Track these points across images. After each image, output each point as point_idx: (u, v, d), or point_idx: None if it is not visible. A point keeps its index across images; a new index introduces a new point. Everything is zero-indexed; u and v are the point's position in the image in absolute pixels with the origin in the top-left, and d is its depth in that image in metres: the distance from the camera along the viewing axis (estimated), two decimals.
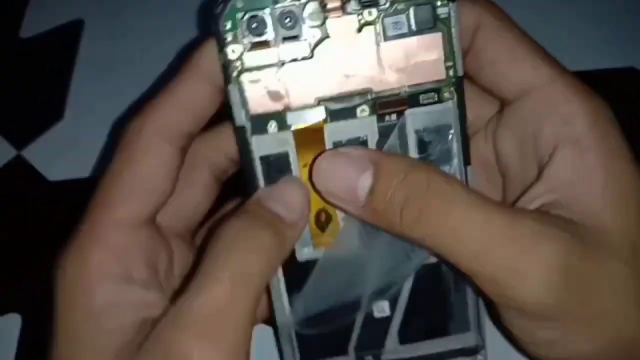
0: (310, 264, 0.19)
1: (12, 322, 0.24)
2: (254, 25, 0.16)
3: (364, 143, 0.18)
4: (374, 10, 0.17)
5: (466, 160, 0.18)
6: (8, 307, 0.24)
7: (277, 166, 0.18)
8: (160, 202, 0.18)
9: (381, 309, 0.20)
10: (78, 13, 0.34)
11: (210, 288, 0.15)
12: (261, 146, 0.18)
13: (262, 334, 0.22)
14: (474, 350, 0.20)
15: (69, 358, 0.16)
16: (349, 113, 0.18)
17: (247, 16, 0.16)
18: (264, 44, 0.17)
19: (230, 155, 0.20)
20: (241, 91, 0.17)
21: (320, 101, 0.17)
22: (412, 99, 0.18)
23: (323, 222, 0.19)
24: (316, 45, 0.17)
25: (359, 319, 0.20)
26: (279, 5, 0.17)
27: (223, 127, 0.20)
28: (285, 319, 0.19)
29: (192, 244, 0.20)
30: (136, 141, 0.17)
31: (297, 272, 0.19)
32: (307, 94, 0.17)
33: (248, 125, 0.17)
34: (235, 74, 0.17)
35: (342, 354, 0.20)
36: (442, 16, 0.17)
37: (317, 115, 0.18)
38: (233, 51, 0.17)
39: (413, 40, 0.17)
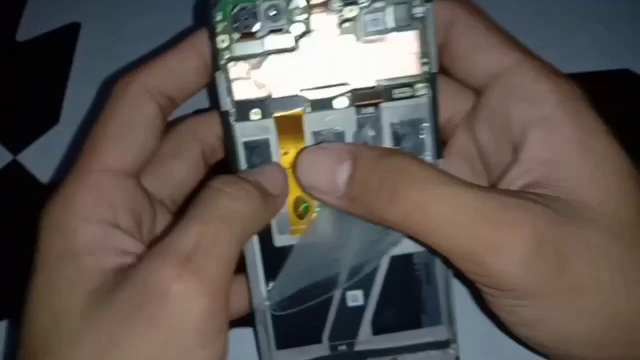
0: (287, 250, 0.20)
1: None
2: (242, 18, 0.18)
3: (341, 134, 0.19)
4: (354, 8, 0.19)
5: (439, 154, 0.20)
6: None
7: (258, 151, 0.19)
8: (143, 155, 0.19)
9: (355, 298, 0.21)
10: (74, 16, 0.35)
11: (195, 226, 0.16)
12: (244, 131, 0.19)
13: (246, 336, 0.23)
14: (445, 344, 0.21)
15: (43, 297, 0.17)
16: (327, 104, 0.19)
17: (236, 9, 0.18)
18: (252, 35, 0.19)
19: (220, 135, 0.21)
20: (228, 78, 0.19)
21: (301, 91, 0.19)
22: (388, 92, 0.19)
23: (301, 210, 0.20)
24: (300, 38, 0.19)
25: (333, 308, 0.21)
26: (267, 0, 0.18)
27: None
28: (262, 302, 0.20)
29: (175, 216, 0.21)
30: (121, 96, 0.19)
31: (274, 258, 0.20)
32: (289, 84, 0.19)
33: (232, 111, 0.19)
34: (223, 61, 0.19)
35: (316, 342, 0.21)
36: (419, 15, 0.19)
37: (298, 104, 0.19)
38: (222, 41, 0.18)
39: (391, 37, 0.19)
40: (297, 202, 0.20)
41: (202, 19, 0.18)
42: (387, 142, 0.20)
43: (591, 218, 0.17)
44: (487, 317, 0.22)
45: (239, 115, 0.19)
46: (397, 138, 0.20)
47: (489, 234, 0.16)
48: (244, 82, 0.19)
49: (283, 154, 0.20)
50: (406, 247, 0.20)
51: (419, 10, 0.19)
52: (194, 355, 0.16)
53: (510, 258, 0.16)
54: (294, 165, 0.19)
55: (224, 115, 0.19)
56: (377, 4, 0.19)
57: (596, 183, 0.17)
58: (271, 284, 0.20)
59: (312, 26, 0.19)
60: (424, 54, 0.19)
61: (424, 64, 0.19)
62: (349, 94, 0.19)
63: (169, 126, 0.20)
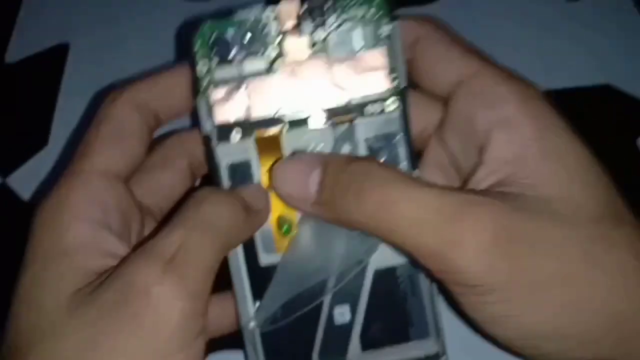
0: (273, 268, 0.21)
1: None
2: (220, 45, 0.20)
3: (318, 150, 0.21)
4: (323, 30, 0.20)
5: (413, 165, 0.21)
6: None
7: (240, 171, 0.21)
8: (132, 161, 0.20)
9: (342, 314, 0.22)
10: (63, 37, 0.36)
11: (178, 231, 0.17)
12: (225, 153, 0.21)
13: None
14: (435, 357, 0.22)
15: (30, 294, 0.18)
16: (304, 123, 0.21)
17: (214, 37, 0.20)
18: (229, 61, 0.20)
19: None
20: (208, 103, 0.20)
21: (278, 112, 0.21)
22: (361, 109, 0.21)
23: (284, 227, 0.22)
24: (274, 61, 0.21)
25: (321, 326, 0.22)
26: (242, 27, 0.20)
27: None
28: (250, 321, 0.21)
29: (160, 223, 0.22)
30: (111, 106, 0.20)
31: (260, 277, 0.21)
32: (266, 106, 0.20)
33: (213, 134, 0.20)
34: (203, 87, 0.20)
35: None
36: (385, 34, 0.21)
37: (276, 124, 0.21)
38: (202, 67, 0.20)
39: (360, 56, 0.21)
40: (280, 221, 0.21)
41: (184, 47, 0.20)
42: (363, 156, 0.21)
43: (554, 212, 0.18)
44: (463, 322, 0.23)
45: (220, 138, 0.20)
46: (372, 152, 0.21)
47: (450, 230, 0.17)
48: (224, 106, 0.20)
49: (264, 173, 0.21)
50: (388, 260, 0.21)
51: (384, 30, 0.21)
52: (171, 357, 0.17)
53: (470, 253, 0.17)
54: (270, 177, 0.20)
55: (206, 138, 0.21)
56: (345, 26, 0.21)
57: (558, 178, 0.18)
58: (258, 303, 0.21)
59: (286, 49, 0.21)
60: (392, 70, 0.21)
61: (393, 79, 0.21)
62: (324, 112, 0.21)
63: (155, 143, 0.22)
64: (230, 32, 0.20)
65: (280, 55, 0.20)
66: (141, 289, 0.17)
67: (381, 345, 0.22)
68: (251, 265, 0.21)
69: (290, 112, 0.21)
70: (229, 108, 0.20)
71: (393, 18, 0.21)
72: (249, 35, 0.20)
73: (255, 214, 0.20)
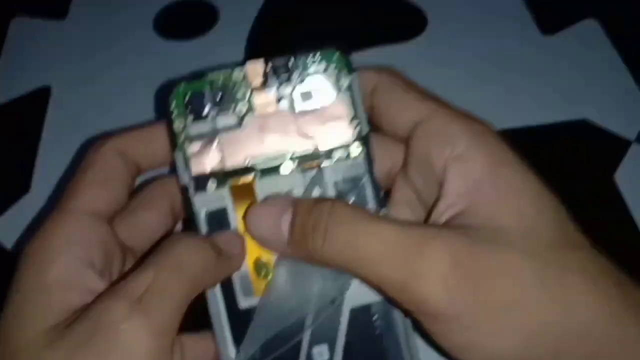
0: (251, 311, 0.24)
1: None
2: (194, 103, 0.24)
3: (290, 196, 0.25)
4: (288, 85, 0.24)
5: (380, 204, 0.25)
6: None
7: (217, 218, 0.24)
8: (116, 203, 0.24)
9: (321, 354, 0.25)
10: (45, 80, 0.40)
11: (149, 271, 0.20)
12: (202, 201, 0.24)
13: None
14: None
15: (9, 329, 0.21)
16: (275, 170, 0.24)
17: (188, 96, 0.24)
18: (203, 117, 0.24)
19: None
20: (185, 156, 0.24)
21: (250, 161, 0.25)
22: (328, 155, 0.24)
23: (261, 271, 0.25)
24: (244, 116, 0.25)
25: None
26: (214, 87, 0.24)
27: None
28: None
29: (137, 263, 0.25)
30: (96, 153, 0.24)
31: (240, 319, 0.24)
32: (239, 156, 0.24)
33: (190, 184, 0.24)
34: (179, 142, 0.24)
35: None
36: (345, 85, 0.25)
37: (249, 173, 0.25)
38: (179, 124, 0.24)
39: (323, 106, 0.24)
40: (257, 264, 0.25)
41: (161, 106, 0.24)
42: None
43: (508, 241, 0.21)
44: (438, 353, 0.26)
45: (197, 187, 0.24)
46: (341, 194, 0.25)
47: (411, 262, 0.20)
48: (199, 158, 0.24)
49: (240, 219, 0.25)
50: (363, 298, 0.24)
51: (344, 82, 0.25)
52: None
53: (431, 284, 0.20)
54: (244, 220, 0.24)
55: (183, 189, 0.24)
56: (308, 80, 0.25)
57: (510, 208, 0.22)
58: (238, 346, 0.24)
59: (254, 104, 0.25)
60: (354, 118, 0.25)
61: (355, 126, 0.25)
62: (294, 160, 0.25)
63: (137, 189, 0.25)
64: (203, 92, 0.24)
65: (249, 110, 0.24)
66: (109, 326, 0.19)
67: None
68: (230, 308, 0.24)
69: (261, 161, 0.24)
70: (204, 160, 0.24)
71: (351, 70, 0.25)
72: (220, 93, 0.24)
73: (227, 258, 0.23)
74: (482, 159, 0.22)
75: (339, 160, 0.25)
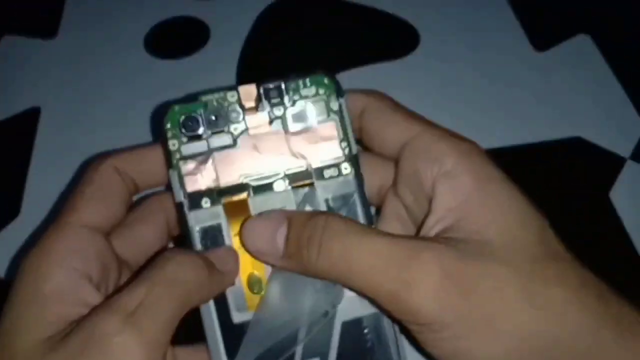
0: (245, 325, 0.27)
1: None
2: (189, 124, 0.28)
3: None
4: (280, 108, 0.28)
5: (369, 220, 0.28)
6: None
7: (211, 235, 0.28)
8: (113, 218, 0.27)
9: None
10: (34, 100, 0.43)
11: (142, 287, 0.23)
12: (197, 218, 0.28)
13: None
14: None
15: (5, 339, 0.23)
16: (268, 188, 0.28)
17: (183, 118, 0.28)
18: (197, 137, 0.28)
19: None
20: (179, 174, 0.28)
21: (244, 179, 0.28)
22: (318, 174, 0.28)
23: (254, 285, 0.28)
24: (238, 136, 0.28)
25: None
26: (208, 108, 0.28)
27: None
28: None
29: (132, 277, 0.28)
30: (95, 170, 0.27)
31: (233, 334, 0.27)
32: (233, 174, 0.28)
33: (185, 202, 0.28)
34: (175, 161, 0.28)
35: None
36: (335, 108, 0.28)
37: (242, 190, 0.28)
38: (173, 144, 0.28)
39: (314, 128, 0.28)
40: (251, 280, 0.28)
41: (157, 128, 0.28)
42: None
43: (494, 254, 0.24)
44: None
45: (192, 205, 0.28)
46: (332, 211, 0.28)
47: (402, 273, 0.24)
48: (194, 176, 0.28)
49: (234, 236, 0.28)
50: (355, 311, 0.28)
51: (334, 105, 0.28)
52: None
53: (422, 293, 0.23)
54: (240, 234, 0.27)
55: (179, 206, 0.28)
56: (299, 103, 0.28)
57: (496, 223, 0.25)
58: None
59: (248, 125, 0.28)
60: (343, 139, 0.28)
61: (344, 147, 0.28)
62: (286, 178, 0.28)
63: (133, 205, 0.29)
64: (197, 113, 0.28)
65: (243, 130, 0.28)
66: (102, 339, 0.22)
67: None
68: (224, 323, 0.27)
69: (255, 179, 0.28)
70: (198, 178, 0.28)
71: (341, 94, 0.28)
72: (214, 114, 0.28)
73: (219, 274, 0.26)
74: (470, 175, 0.26)
75: (330, 178, 0.28)
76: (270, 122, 0.28)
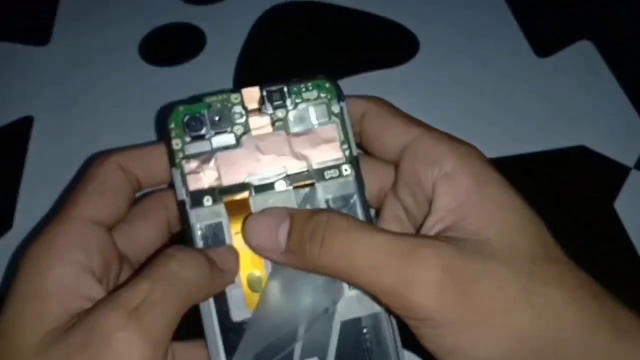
0: (244, 324, 0.30)
1: None
2: (192, 124, 0.31)
3: None
4: (282, 110, 0.32)
5: (369, 222, 0.31)
6: None
7: (212, 233, 0.31)
8: (116, 213, 0.30)
9: None
10: (27, 110, 0.45)
11: (145, 283, 0.25)
12: (198, 216, 0.31)
13: None
14: None
15: (6, 332, 0.25)
16: (269, 187, 0.31)
17: (187, 118, 0.31)
18: (201, 137, 0.31)
19: None
20: (182, 173, 0.31)
21: (245, 179, 0.31)
22: (319, 174, 0.31)
23: (254, 284, 0.31)
24: (240, 137, 0.32)
25: None
26: (211, 109, 0.31)
27: None
28: None
29: (133, 274, 0.31)
30: (99, 166, 0.30)
31: (232, 332, 0.30)
32: (235, 174, 0.31)
33: (187, 200, 0.31)
34: (177, 160, 0.31)
35: None
36: (336, 111, 0.32)
37: (244, 190, 0.31)
38: (177, 144, 0.31)
39: (315, 130, 0.32)
40: (251, 278, 0.31)
41: (160, 128, 0.31)
42: None
43: (494, 253, 0.27)
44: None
45: (194, 203, 0.31)
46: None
47: (403, 269, 0.26)
48: (196, 175, 0.31)
49: (234, 234, 0.31)
50: (354, 311, 0.31)
51: (335, 108, 0.32)
52: None
53: (422, 289, 0.26)
54: (242, 230, 0.30)
55: (181, 204, 0.31)
56: (301, 106, 0.32)
57: (495, 224, 0.28)
58: (232, 357, 0.30)
59: (250, 126, 0.32)
60: (344, 141, 0.32)
61: (344, 149, 0.32)
62: (287, 178, 0.31)
63: (136, 201, 0.32)
64: (201, 113, 0.31)
65: (245, 131, 0.31)
66: (105, 334, 0.24)
67: None
68: (223, 321, 0.31)
69: (256, 178, 0.31)
70: (201, 177, 0.31)
71: (342, 98, 0.32)
72: (217, 115, 0.31)
73: (220, 272, 0.29)
74: (469, 177, 0.29)
75: (330, 179, 0.32)
76: (273, 123, 0.32)
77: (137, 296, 0.25)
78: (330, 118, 0.32)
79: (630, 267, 0.39)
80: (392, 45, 0.50)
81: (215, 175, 0.31)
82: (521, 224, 0.29)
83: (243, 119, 0.32)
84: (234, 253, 0.31)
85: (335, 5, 0.53)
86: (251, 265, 0.31)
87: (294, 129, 0.32)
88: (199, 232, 0.31)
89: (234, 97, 0.32)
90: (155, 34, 0.53)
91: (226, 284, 0.30)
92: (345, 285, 0.31)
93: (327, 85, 0.32)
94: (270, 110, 0.32)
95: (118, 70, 0.50)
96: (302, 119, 0.32)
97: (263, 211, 0.30)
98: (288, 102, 0.32)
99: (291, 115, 0.32)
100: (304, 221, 0.29)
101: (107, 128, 0.46)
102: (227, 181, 0.31)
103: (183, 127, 0.31)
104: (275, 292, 0.31)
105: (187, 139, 0.31)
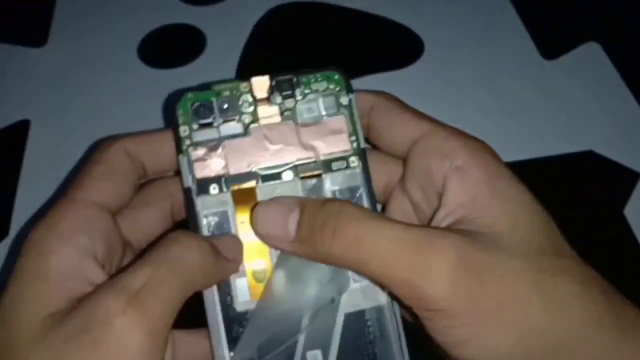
0: (248, 314, 0.31)
1: None
2: (201, 111, 0.33)
3: None
4: (291, 100, 0.33)
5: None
6: None
7: (217, 222, 0.32)
8: (121, 198, 0.31)
9: (314, 357, 0.32)
10: (23, 113, 0.46)
11: (146, 268, 0.26)
12: (204, 204, 0.32)
13: None
14: None
15: (7, 313, 0.26)
16: (276, 177, 0.33)
17: (195, 105, 0.33)
18: (209, 125, 0.32)
19: None
20: (189, 160, 0.32)
21: (253, 168, 0.33)
22: (326, 165, 0.33)
23: (259, 274, 0.32)
24: (249, 125, 0.33)
25: None
26: (220, 97, 0.33)
27: None
28: None
29: (135, 259, 0.32)
30: (104, 151, 0.31)
31: (236, 322, 0.31)
32: (242, 163, 0.32)
33: (194, 187, 0.32)
34: (184, 147, 0.32)
35: None
36: (345, 103, 0.33)
37: (251, 178, 0.33)
38: (184, 130, 0.32)
39: (323, 121, 0.33)
40: (256, 268, 0.32)
41: (168, 115, 0.32)
42: None
43: (505, 246, 0.28)
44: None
45: (200, 190, 0.32)
46: None
47: (418, 259, 0.27)
48: (203, 163, 0.32)
49: (240, 223, 0.32)
50: (358, 303, 0.32)
51: (344, 100, 0.33)
52: None
53: (437, 279, 0.27)
54: (251, 218, 0.31)
55: (187, 191, 0.32)
56: (310, 96, 0.33)
57: (506, 217, 0.29)
58: (234, 347, 0.31)
59: (259, 116, 0.33)
60: (352, 133, 0.33)
61: (352, 141, 0.33)
62: (295, 168, 0.33)
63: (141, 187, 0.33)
64: (210, 101, 0.33)
65: (254, 120, 0.33)
66: (104, 319, 0.25)
67: None
68: (227, 310, 0.32)
69: (264, 168, 0.33)
70: (208, 165, 0.32)
71: (351, 90, 0.33)
72: (226, 103, 0.33)
73: (225, 261, 0.30)
74: (480, 171, 0.31)
75: (337, 171, 0.33)
76: (281, 113, 0.33)
77: (138, 281, 0.26)
78: (338, 109, 0.33)
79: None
80: (395, 47, 0.52)
81: (223, 163, 0.32)
82: (531, 218, 0.30)
83: (252, 108, 0.33)
84: (239, 242, 0.32)
85: (338, 6, 0.55)
86: (256, 255, 0.32)
87: (302, 119, 0.33)
88: (204, 220, 0.32)
89: (244, 85, 0.33)
90: (155, 35, 0.54)
91: (229, 273, 0.31)
92: (351, 276, 0.32)
93: (337, 76, 0.34)
94: (279, 100, 0.33)
95: (117, 72, 0.52)
96: (310, 109, 0.33)
97: (272, 199, 0.32)
98: (297, 92, 0.33)
99: (300, 105, 0.33)
100: (316, 210, 0.30)
101: (105, 132, 0.45)
102: (234, 170, 0.33)
103: (191, 113, 0.33)
104: (280, 282, 0.32)
105: (195, 126, 0.33)
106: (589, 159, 0.44)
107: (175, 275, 0.27)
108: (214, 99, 0.33)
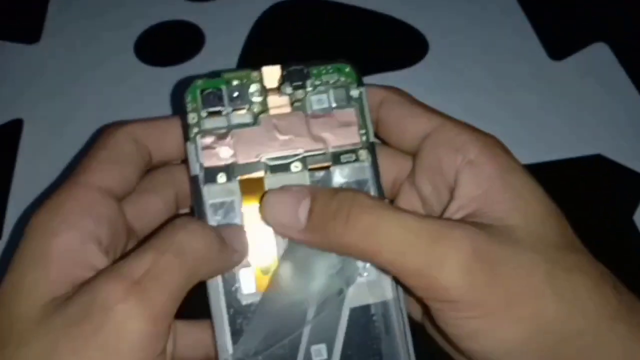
0: (253, 306, 0.34)
1: None
2: (210, 99, 0.35)
3: None
4: (302, 91, 0.36)
5: None
6: None
7: (223, 211, 0.34)
8: (126, 183, 0.32)
9: (319, 353, 0.34)
10: (16, 112, 0.48)
11: (149, 254, 0.27)
12: (211, 193, 0.34)
13: None
14: None
15: (8, 297, 0.27)
16: (285, 168, 0.35)
17: (205, 92, 0.35)
18: (218, 113, 0.35)
19: None
20: (196, 148, 0.34)
21: (261, 158, 0.35)
22: (335, 158, 0.35)
23: (265, 265, 0.34)
24: (258, 115, 0.35)
25: None
26: (230, 85, 0.35)
27: None
28: (228, 357, 0.33)
29: (137, 245, 0.33)
30: (110, 136, 0.33)
31: (241, 314, 0.33)
32: (250, 152, 0.35)
33: (201, 175, 0.34)
34: (192, 134, 0.35)
35: None
36: (355, 96, 0.36)
37: (259, 169, 0.35)
38: (193, 118, 0.35)
39: (333, 113, 0.36)
40: (262, 259, 0.34)
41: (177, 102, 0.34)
42: None
43: (518, 239, 0.30)
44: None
45: (207, 179, 0.34)
46: None
47: (433, 249, 0.29)
48: (211, 151, 0.35)
49: (247, 214, 0.34)
50: (363, 298, 0.34)
51: (354, 92, 0.36)
52: None
53: (452, 270, 0.28)
54: (260, 206, 0.33)
55: (194, 179, 0.34)
56: (321, 88, 0.36)
57: (519, 211, 0.32)
58: (238, 339, 0.33)
59: (269, 105, 0.35)
60: (361, 126, 0.36)
61: (362, 134, 0.36)
62: (303, 159, 0.35)
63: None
64: (219, 89, 0.35)
65: (263, 110, 0.35)
66: (105, 306, 0.26)
67: None
68: (231, 302, 0.34)
69: (272, 158, 0.35)
70: (216, 153, 0.35)
71: (361, 84, 0.36)
72: (236, 91, 0.35)
73: (230, 250, 0.32)
74: (493, 165, 0.33)
75: (346, 163, 0.35)
76: (291, 104, 0.36)
77: (141, 267, 0.27)
78: (348, 102, 0.36)
79: None
80: (399, 46, 0.54)
81: (231, 152, 0.35)
82: (543, 213, 0.32)
83: (261, 98, 0.36)
84: (244, 233, 0.34)
85: (340, 3, 0.57)
86: (262, 246, 0.34)
87: (312, 110, 0.36)
88: (210, 209, 0.34)
89: (254, 74, 0.36)
90: (152, 32, 0.56)
91: (234, 263, 0.33)
92: (360, 267, 0.34)
93: (347, 69, 0.36)
94: (289, 90, 0.36)
95: (112, 70, 0.53)
96: (320, 100, 0.36)
97: (282, 188, 0.34)
98: (308, 83, 0.36)
99: (310, 96, 0.36)
100: (329, 198, 0.32)
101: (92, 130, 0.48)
102: (243, 159, 0.35)
103: (200, 101, 0.35)
104: (287, 273, 0.34)
105: (204, 113, 0.35)
106: (597, 162, 0.46)
107: (180, 263, 0.28)
108: (223, 87, 0.35)
